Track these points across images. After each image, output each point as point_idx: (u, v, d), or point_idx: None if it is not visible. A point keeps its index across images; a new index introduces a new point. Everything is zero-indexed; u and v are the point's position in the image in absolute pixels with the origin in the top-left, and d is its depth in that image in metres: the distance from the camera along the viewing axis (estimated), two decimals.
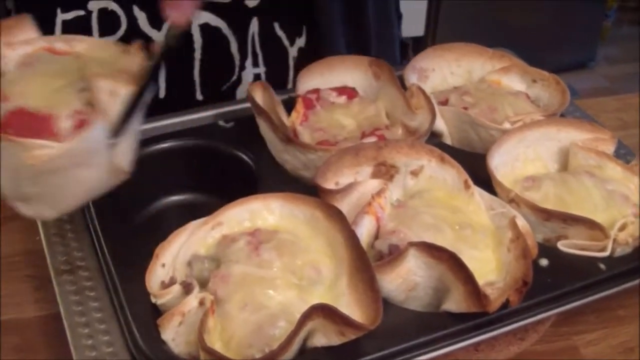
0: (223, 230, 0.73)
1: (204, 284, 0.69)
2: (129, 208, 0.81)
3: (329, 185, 0.75)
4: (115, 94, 0.67)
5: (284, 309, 0.65)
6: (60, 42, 0.77)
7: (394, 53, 1.14)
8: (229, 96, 1.06)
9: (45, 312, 0.78)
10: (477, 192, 0.77)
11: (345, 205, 0.74)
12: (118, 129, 0.67)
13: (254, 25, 1.03)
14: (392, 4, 1.13)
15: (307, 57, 1.02)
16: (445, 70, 1.02)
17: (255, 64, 1.05)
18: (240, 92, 1.06)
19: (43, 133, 0.65)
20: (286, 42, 1.06)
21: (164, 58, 0.70)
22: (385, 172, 0.79)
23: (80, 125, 0.65)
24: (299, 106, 0.88)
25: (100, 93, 0.66)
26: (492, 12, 2.78)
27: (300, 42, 1.07)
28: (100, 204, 0.79)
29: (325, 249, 0.70)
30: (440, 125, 0.91)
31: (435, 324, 0.68)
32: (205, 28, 1.00)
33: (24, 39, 0.75)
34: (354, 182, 0.76)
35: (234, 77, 1.05)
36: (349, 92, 0.91)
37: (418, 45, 2.80)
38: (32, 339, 0.75)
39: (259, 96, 0.86)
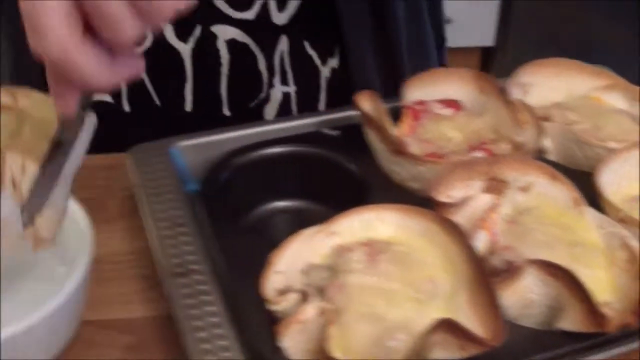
0: (337, 240, 0.73)
1: (319, 293, 0.68)
2: (237, 212, 0.81)
3: (443, 198, 0.75)
4: (25, 170, 0.67)
5: (403, 322, 0.65)
6: (6, 95, 0.77)
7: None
8: (257, 114, 1.06)
9: (156, 312, 0.78)
10: (587, 210, 0.76)
11: (458, 219, 0.74)
12: (32, 206, 0.66)
13: (283, 44, 1.03)
14: (427, 26, 1.12)
15: (340, 79, 1.04)
16: (545, 85, 1.01)
17: (285, 82, 1.05)
18: (269, 110, 1.07)
19: None
20: (317, 62, 1.06)
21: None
22: (496, 187, 0.78)
23: None
24: (407, 117, 0.88)
25: (8, 167, 0.67)
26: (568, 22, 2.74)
27: (333, 62, 1.06)
28: (210, 207, 0.80)
29: (442, 263, 0.70)
30: (544, 141, 0.90)
31: (550, 342, 0.68)
32: (232, 44, 1.01)
33: None
34: (467, 196, 0.76)
35: (262, 95, 1.05)
36: (455, 105, 0.91)
37: (488, 55, 2.77)
38: (144, 339, 0.75)
39: (367, 105, 0.86)
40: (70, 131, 0.65)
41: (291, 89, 1.07)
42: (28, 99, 0.76)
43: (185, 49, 1.01)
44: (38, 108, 0.75)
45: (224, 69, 1.03)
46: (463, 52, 2.85)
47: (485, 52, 2.91)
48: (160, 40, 0.99)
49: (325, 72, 1.07)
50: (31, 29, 0.58)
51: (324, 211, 0.90)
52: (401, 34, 1.06)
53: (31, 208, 0.68)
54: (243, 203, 0.85)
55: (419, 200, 0.78)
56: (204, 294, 0.72)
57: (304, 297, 0.68)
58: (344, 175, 0.87)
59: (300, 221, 0.88)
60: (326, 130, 0.91)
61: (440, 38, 1.16)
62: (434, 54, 1.14)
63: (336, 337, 0.65)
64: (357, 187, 0.85)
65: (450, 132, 0.88)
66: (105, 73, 0.60)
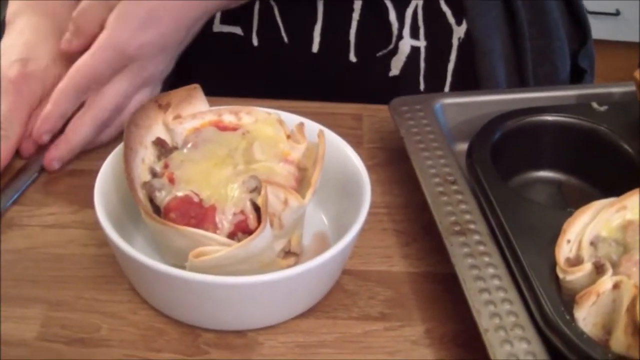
0: (627, 215, 0.68)
1: (611, 266, 0.64)
2: (504, 176, 0.77)
3: None
4: (286, 204, 0.68)
5: None
6: (228, 114, 0.76)
7: (553, 65, 1.07)
8: (384, 64, 1.03)
9: (415, 269, 0.75)
10: None
11: None
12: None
13: None
14: (556, 17, 1.07)
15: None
16: None
17: (415, 36, 1.02)
18: (396, 62, 1.03)
19: (205, 223, 0.66)
20: (451, 20, 1.02)
21: None
22: None
23: (239, 226, 0.67)
24: None
25: (269, 201, 0.67)
26: None
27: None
28: (482, 169, 0.76)
29: None
30: None
31: None
32: None
33: (193, 112, 0.76)
34: None
35: (391, 46, 1.02)
36: None
37: None
38: (404, 294, 0.73)
39: None
40: None
41: (421, 43, 1.03)
42: (251, 116, 0.76)
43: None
44: (261, 125, 0.76)
45: (355, 14, 1.01)
46: (629, 46, 2.72)
47: None
48: (208, 25, 0.97)
49: (459, 32, 1.03)
50: None
51: (586, 187, 0.85)
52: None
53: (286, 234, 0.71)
54: (509, 168, 0.81)
55: None
56: (484, 254, 0.69)
57: (599, 269, 0.64)
58: (616, 154, 0.81)
59: (560, 195, 0.84)
60: (595, 105, 0.85)
61: (581, 20, 1.11)
62: (561, 36, 1.08)
63: None
64: (628, 166, 0.80)
65: None
66: None
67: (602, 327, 0.63)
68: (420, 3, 1.01)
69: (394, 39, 1.02)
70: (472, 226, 0.71)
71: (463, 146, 0.84)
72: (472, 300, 0.65)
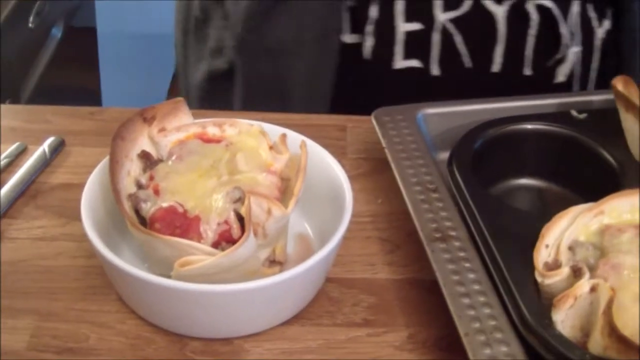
0: (604, 220, 0.70)
1: (588, 270, 0.66)
2: (485, 184, 0.79)
3: None
4: (270, 213, 0.69)
5: None
6: (212, 126, 0.78)
7: None
8: (552, 73, 1.08)
9: (399, 276, 0.77)
10: None
11: None
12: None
13: (575, 6, 1.06)
14: None
15: (613, 39, 1.06)
16: None
17: (577, 43, 1.07)
18: (562, 70, 1.08)
19: (189, 233, 0.67)
20: (595, 24, 1.08)
21: None
22: None
23: (223, 235, 0.68)
24: None
25: (253, 211, 0.68)
26: None
27: (606, 24, 1.09)
28: (463, 176, 0.78)
29: None
30: None
31: None
32: (539, 8, 1.03)
33: (177, 125, 0.77)
34: None
35: (559, 55, 1.07)
36: None
37: None
38: (387, 300, 0.74)
39: (623, 90, 0.82)
40: None
41: (577, 49, 1.09)
42: (234, 128, 0.77)
43: (500, 12, 1.03)
44: (244, 137, 0.75)
45: (532, 31, 1.06)
46: None
47: None
48: (477, 4, 1.02)
49: (600, 33, 1.10)
50: None
51: (567, 194, 0.87)
52: None
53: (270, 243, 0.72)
54: (490, 175, 0.83)
55: None
56: (464, 260, 0.71)
57: (576, 273, 0.65)
58: (594, 161, 0.83)
59: (543, 201, 0.85)
60: (574, 112, 0.87)
61: None
62: None
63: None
64: (609, 174, 0.81)
65: None
66: None
67: (580, 329, 0.64)
68: (577, 10, 1.07)
69: (563, 48, 1.07)
70: (452, 233, 0.73)
71: (445, 155, 0.85)
72: (452, 305, 0.66)
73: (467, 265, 0.70)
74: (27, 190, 0.87)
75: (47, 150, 0.92)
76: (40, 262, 0.79)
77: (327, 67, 1.03)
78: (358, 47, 1.04)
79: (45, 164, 0.91)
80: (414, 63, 1.05)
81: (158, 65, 2.74)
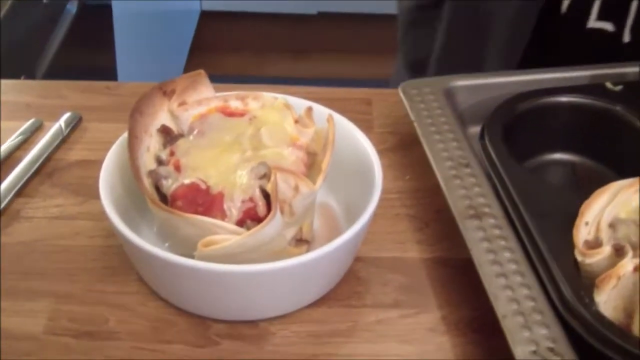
0: None
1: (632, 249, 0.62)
2: (518, 158, 0.75)
3: None
4: (297, 190, 0.65)
5: None
6: (234, 100, 0.74)
7: None
8: None
9: (429, 254, 0.74)
10: None
11: None
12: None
13: None
14: None
15: None
16: None
17: None
18: None
19: (212, 211, 0.64)
20: None
21: None
22: None
23: (248, 213, 0.65)
24: None
25: (279, 188, 0.65)
26: None
27: None
28: (496, 151, 0.74)
29: None
30: None
31: None
32: None
33: (198, 99, 0.73)
34: None
35: None
36: None
37: None
38: (418, 280, 0.71)
39: None
40: None
41: None
42: (257, 102, 0.72)
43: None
44: (268, 110, 0.71)
45: None
46: None
47: None
48: None
49: None
50: None
51: (601, 169, 0.84)
52: None
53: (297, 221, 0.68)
54: (522, 150, 0.79)
55: None
56: (500, 238, 0.67)
57: (618, 251, 0.62)
58: (629, 133, 0.79)
59: (577, 176, 0.82)
60: (609, 85, 0.83)
61: None
62: None
63: None
64: None
65: None
66: None
67: (623, 311, 0.61)
68: None
69: None
70: (486, 209, 0.70)
71: (475, 129, 0.82)
72: (488, 286, 0.63)
73: (503, 243, 0.66)
74: (43, 168, 0.85)
75: (63, 126, 0.89)
76: (58, 241, 0.77)
77: (529, 15, 0.99)
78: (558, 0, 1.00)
79: (62, 141, 0.88)
80: (607, 26, 1.00)
81: (174, 42, 2.72)
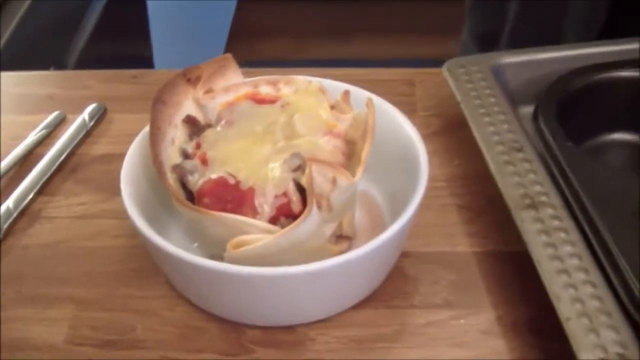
0: None
1: None
2: (575, 140, 0.68)
3: None
4: (335, 183, 0.59)
5: None
6: (265, 85, 0.68)
7: None
8: None
9: (481, 248, 0.68)
10: None
11: None
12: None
13: None
14: None
15: None
16: None
17: None
18: None
19: (243, 208, 0.59)
20: None
21: None
22: None
23: (282, 209, 0.59)
24: None
25: (316, 182, 0.58)
26: None
27: None
28: (553, 132, 0.68)
29: None
30: None
31: None
32: None
33: (226, 85, 0.67)
34: None
35: None
36: None
37: None
38: (470, 277, 0.66)
39: None
40: None
41: None
42: (290, 87, 0.66)
43: None
44: (302, 96, 0.66)
45: None
46: None
47: None
48: None
49: None
50: None
51: None
52: None
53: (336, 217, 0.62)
54: (580, 130, 0.72)
55: None
56: (560, 230, 0.61)
57: None
58: None
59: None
60: None
61: None
62: None
63: None
64: None
65: None
66: None
67: None
68: None
69: None
70: (544, 198, 0.63)
71: (527, 109, 0.76)
72: (549, 284, 0.57)
73: (563, 236, 0.60)
74: (66, 164, 0.80)
75: (87, 118, 0.85)
76: (80, 243, 0.72)
77: None
78: None
79: (86, 134, 0.83)
80: None
81: (213, 27, 2.66)
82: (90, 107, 0.86)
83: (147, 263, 0.67)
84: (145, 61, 2.09)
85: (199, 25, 2.66)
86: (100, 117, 0.86)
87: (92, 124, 0.84)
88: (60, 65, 1.52)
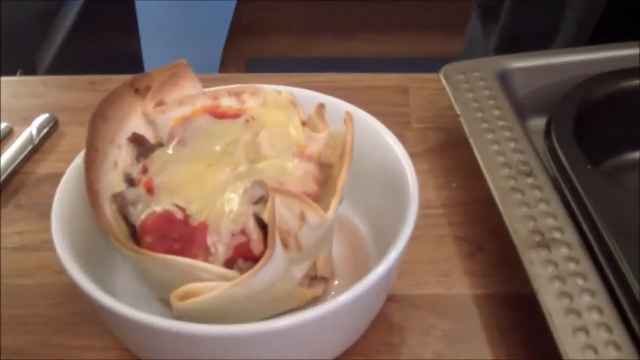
0: None
1: None
2: (593, 160, 0.58)
3: None
4: (304, 219, 0.48)
5: None
6: (227, 96, 0.58)
7: None
8: None
9: (483, 290, 0.59)
10: None
11: None
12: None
13: None
14: None
15: None
16: None
17: None
18: None
19: (192, 248, 0.49)
20: None
21: None
22: None
23: (240, 250, 0.49)
24: None
25: (278, 215, 0.48)
26: None
27: None
28: (568, 153, 0.57)
29: None
30: None
31: None
32: None
33: (180, 97, 0.57)
34: None
35: None
36: None
37: None
38: (468, 326, 0.57)
39: None
40: None
41: None
42: (256, 98, 0.57)
43: None
44: (270, 109, 0.56)
45: None
46: None
47: None
48: None
49: None
50: None
51: None
52: None
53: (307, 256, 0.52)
54: (600, 148, 0.64)
55: None
56: (577, 276, 0.51)
57: None
58: None
59: None
60: None
61: None
62: None
63: None
64: None
65: None
66: None
67: None
68: None
69: None
70: (557, 235, 0.54)
71: (538, 123, 0.67)
72: (563, 345, 0.47)
73: (581, 283, 0.51)
74: (7, 184, 0.70)
75: (34, 132, 0.74)
76: (15, 280, 0.63)
77: None
78: None
79: (32, 150, 0.73)
80: None
81: (211, 23, 2.56)
82: (40, 119, 0.76)
83: (89, 306, 0.56)
84: (133, 62, 1.98)
85: (197, 20, 2.56)
86: (50, 129, 0.76)
87: (39, 138, 0.74)
88: (29, 69, 1.41)
